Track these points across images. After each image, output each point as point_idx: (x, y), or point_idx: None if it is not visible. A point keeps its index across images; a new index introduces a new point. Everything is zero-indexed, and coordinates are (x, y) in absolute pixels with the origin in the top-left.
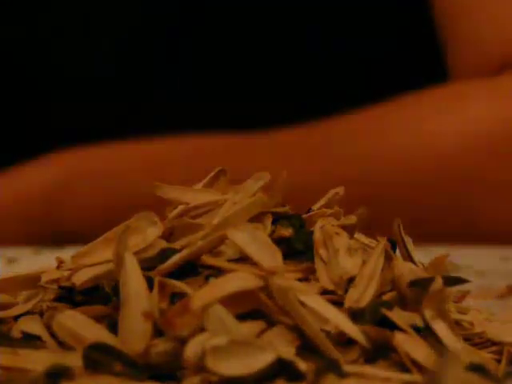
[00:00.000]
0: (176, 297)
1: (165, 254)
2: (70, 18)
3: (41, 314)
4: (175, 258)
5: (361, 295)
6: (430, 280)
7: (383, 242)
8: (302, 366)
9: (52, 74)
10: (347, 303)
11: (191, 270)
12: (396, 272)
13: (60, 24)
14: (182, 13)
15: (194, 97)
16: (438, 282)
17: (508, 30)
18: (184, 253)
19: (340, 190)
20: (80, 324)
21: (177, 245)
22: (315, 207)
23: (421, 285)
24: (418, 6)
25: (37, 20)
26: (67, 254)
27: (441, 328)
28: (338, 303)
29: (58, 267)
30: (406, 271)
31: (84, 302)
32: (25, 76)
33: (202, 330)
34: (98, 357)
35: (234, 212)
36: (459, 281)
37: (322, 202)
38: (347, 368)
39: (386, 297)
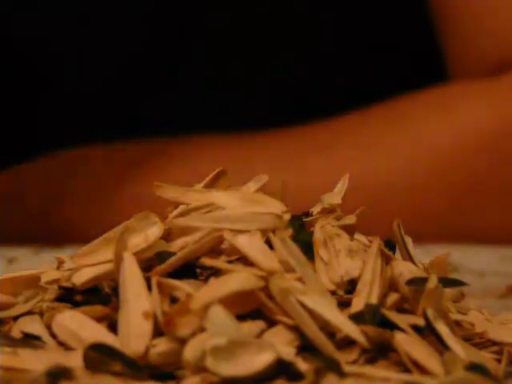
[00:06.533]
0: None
1: (163, 256)
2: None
3: (41, 314)
4: (173, 259)
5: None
6: (425, 279)
7: (377, 242)
8: (302, 366)
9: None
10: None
11: (190, 270)
12: (395, 272)
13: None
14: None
15: (193, 97)
16: (433, 280)
17: (508, 30)
18: (182, 253)
19: None
20: (80, 324)
21: (176, 245)
22: (315, 210)
23: (417, 283)
24: (417, 5)
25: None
26: (67, 253)
27: (442, 328)
28: (338, 303)
29: (58, 267)
30: (405, 271)
31: (84, 302)
32: (24, 76)
33: (202, 329)
34: (97, 357)
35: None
36: (456, 283)
37: (321, 205)
38: (347, 368)
39: (389, 298)
